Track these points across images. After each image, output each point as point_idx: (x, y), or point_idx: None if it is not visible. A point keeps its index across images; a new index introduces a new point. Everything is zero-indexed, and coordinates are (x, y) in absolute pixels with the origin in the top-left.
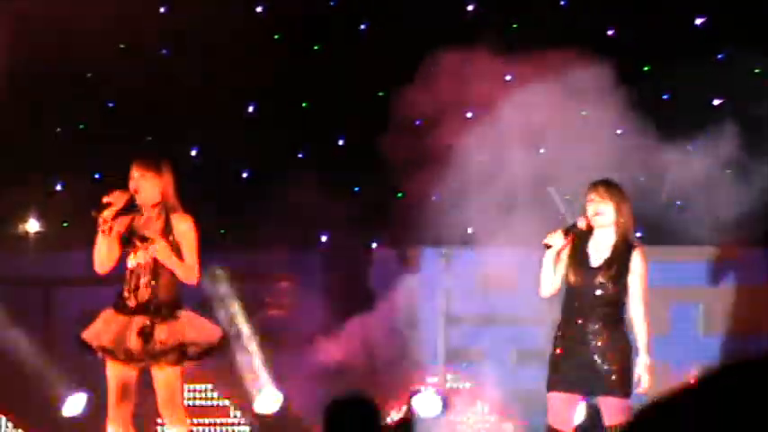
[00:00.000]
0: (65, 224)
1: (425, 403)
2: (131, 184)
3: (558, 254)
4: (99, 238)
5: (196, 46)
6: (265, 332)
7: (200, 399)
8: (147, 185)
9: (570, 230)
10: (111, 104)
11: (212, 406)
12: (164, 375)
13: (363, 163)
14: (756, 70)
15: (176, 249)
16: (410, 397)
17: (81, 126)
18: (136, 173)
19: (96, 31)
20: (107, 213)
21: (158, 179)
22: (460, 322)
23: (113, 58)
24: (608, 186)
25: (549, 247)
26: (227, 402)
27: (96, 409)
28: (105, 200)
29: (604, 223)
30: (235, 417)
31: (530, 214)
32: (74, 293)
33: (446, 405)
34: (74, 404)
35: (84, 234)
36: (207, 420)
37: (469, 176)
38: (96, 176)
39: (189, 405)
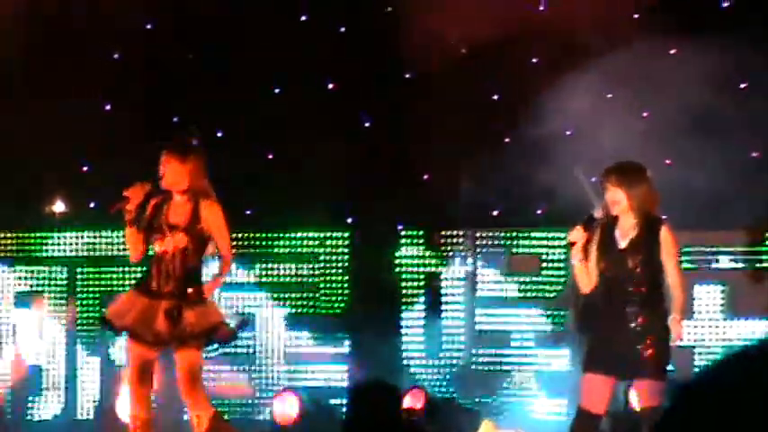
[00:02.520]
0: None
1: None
2: (160, 170)
3: (584, 248)
4: (127, 230)
5: (223, 26)
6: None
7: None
8: (171, 172)
9: (589, 223)
10: (136, 84)
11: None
12: (187, 358)
13: (390, 145)
14: None
15: (202, 236)
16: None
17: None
18: (163, 158)
19: (123, 11)
20: (129, 207)
21: (182, 166)
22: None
23: (140, 38)
24: (619, 173)
25: (573, 244)
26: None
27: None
28: (125, 194)
29: (621, 210)
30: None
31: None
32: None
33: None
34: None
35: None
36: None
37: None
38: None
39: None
